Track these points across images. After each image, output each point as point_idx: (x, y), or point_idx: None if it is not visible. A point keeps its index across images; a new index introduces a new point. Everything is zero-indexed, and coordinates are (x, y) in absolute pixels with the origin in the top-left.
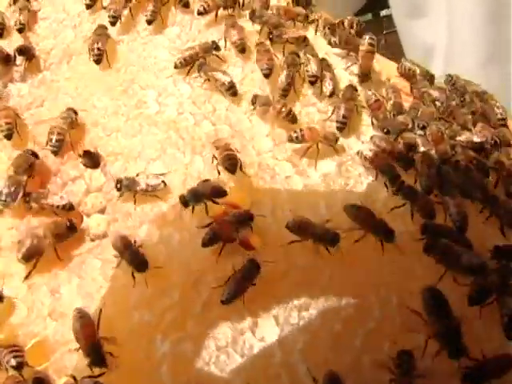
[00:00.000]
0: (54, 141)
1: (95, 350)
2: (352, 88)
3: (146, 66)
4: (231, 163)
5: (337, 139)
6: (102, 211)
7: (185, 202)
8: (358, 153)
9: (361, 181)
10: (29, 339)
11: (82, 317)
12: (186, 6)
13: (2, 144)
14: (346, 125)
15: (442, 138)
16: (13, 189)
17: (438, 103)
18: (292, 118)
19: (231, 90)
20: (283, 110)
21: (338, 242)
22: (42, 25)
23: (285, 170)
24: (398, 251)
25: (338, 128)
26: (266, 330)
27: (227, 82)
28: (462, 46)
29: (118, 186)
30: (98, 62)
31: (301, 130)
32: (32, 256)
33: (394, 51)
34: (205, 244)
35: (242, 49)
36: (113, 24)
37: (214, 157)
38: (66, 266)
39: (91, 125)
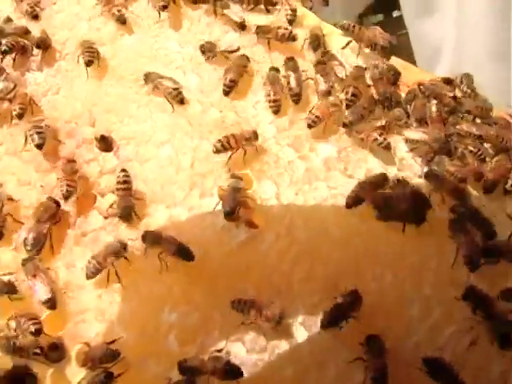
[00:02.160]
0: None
1: None
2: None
3: (157, 56)
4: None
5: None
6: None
7: None
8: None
9: (359, 165)
10: (44, 309)
11: None
12: (194, 1)
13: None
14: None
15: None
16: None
17: None
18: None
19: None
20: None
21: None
22: (57, 17)
23: (288, 155)
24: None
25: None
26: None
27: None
28: (470, 43)
29: None
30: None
31: (312, 114)
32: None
33: (408, 52)
34: None
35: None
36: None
37: None
38: (81, 242)
39: (105, 111)
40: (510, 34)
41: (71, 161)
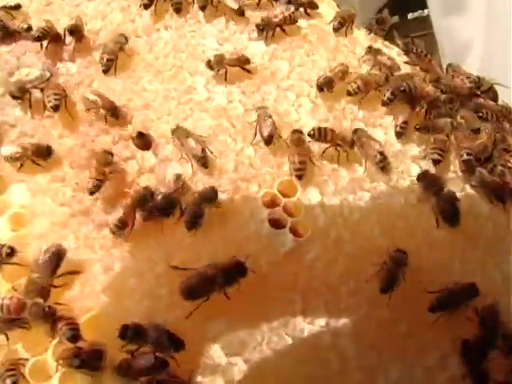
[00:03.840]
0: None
1: None
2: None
3: (194, 53)
4: None
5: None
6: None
7: None
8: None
9: (403, 177)
10: (83, 313)
11: None
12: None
13: (52, 121)
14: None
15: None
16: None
17: None
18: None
19: None
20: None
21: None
22: (89, 6)
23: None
24: None
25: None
26: (316, 314)
27: None
28: (499, 43)
29: None
30: (105, 71)
31: (355, 83)
32: None
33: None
34: None
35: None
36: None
37: None
38: (120, 245)
39: (142, 107)
40: None
41: (108, 152)
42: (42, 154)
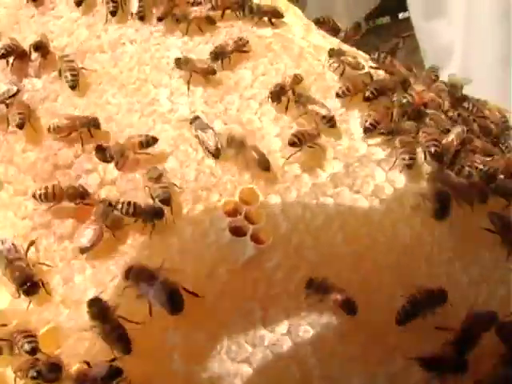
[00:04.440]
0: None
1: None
2: None
3: (159, 65)
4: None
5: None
6: None
7: None
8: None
9: (367, 181)
10: (41, 326)
11: None
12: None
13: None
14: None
15: None
16: None
17: None
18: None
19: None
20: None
21: None
22: (56, 23)
23: (294, 169)
24: None
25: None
26: (277, 322)
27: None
28: (480, 45)
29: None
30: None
31: (343, 86)
32: None
33: (413, 54)
34: None
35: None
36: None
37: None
38: (79, 255)
39: (105, 120)
40: None
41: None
42: None
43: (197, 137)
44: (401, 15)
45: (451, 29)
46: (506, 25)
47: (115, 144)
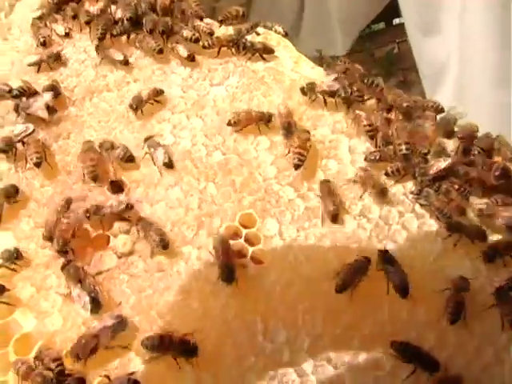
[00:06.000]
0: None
1: None
2: None
3: (161, 101)
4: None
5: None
6: (127, 232)
7: None
8: None
9: (355, 203)
10: (65, 345)
11: None
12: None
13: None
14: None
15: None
16: None
17: None
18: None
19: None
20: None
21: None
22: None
23: (288, 194)
24: None
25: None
26: (276, 332)
27: None
28: (473, 67)
29: None
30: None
31: (377, 152)
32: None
33: (408, 60)
34: None
35: None
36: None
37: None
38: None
39: None
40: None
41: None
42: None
43: (150, 153)
44: (395, 21)
45: (446, 46)
46: (501, 50)
47: None
